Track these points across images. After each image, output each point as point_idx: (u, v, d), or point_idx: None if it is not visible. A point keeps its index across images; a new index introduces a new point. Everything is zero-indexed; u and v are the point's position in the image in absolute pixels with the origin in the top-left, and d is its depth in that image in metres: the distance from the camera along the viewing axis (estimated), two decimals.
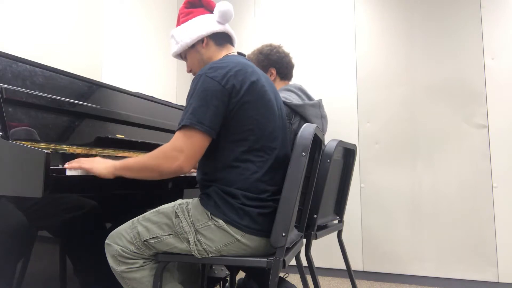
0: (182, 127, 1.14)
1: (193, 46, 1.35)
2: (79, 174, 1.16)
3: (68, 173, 1.11)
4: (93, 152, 1.41)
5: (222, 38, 1.36)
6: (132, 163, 1.17)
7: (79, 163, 1.17)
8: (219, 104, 1.14)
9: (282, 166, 1.21)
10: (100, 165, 1.18)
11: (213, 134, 1.16)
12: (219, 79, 1.15)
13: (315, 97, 2.02)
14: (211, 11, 1.35)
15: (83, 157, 1.25)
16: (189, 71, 1.41)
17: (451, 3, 2.73)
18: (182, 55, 1.41)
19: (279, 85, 2.04)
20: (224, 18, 1.33)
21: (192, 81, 1.20)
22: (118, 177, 1.20)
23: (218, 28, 1.33)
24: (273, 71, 2.03)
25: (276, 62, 2.02)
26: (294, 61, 2.08)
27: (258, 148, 1.18)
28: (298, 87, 1.97)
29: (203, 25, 1.33)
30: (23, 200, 1.25)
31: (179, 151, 1.13)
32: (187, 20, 1.36)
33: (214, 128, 1.15)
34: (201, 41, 1.34)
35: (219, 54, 1.34)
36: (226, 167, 1.18)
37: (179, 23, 1.39)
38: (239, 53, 1.37)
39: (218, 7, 1.32)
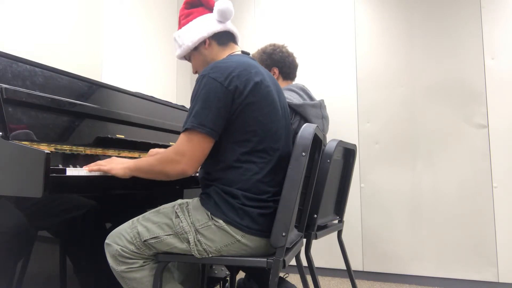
0: (185, 130, 1.15)
1: (196, 48, 1.34)
2: (98, 175, 1.21)
3: (69, 172, 1.11)
4: (94, 152, 1.41)
5: (225, 37, 1.34)
6: (143, 165, 1.20)
7: (98, 166, 1.21)
8: (221, 106, 1.14)
9: (284, 167, 1.21)
10: (118, 165, 1.22)
11: (216, 136, 1.15)
12: (222, 80, 1.15)
13: (316, 97, 2.02)
14: (211, 10, 1.34)
15: (86, 157, 1.27)
16: (195, 72, 1.41)
17: (451, 3, 2.73)
18: (186, 57, 1.41)
19: (281, 84, 2.04)
20: (224, 17, 1.31)
21: (196, 81, 1.19)
22: (120, 177, 1.23)
23: (219, 27, 1.31)
24: (276, 70, 2.03)
25: (279, 61, 2.02)
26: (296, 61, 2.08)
27: (260, 149, 1.18)
28: (300, 87, 1.97)
29: (203, 26, 1.31)
30: (23, 200, 1.25)
31: (182, 155, 1.14)
32: (187, 22, 1.34)
33: (217, 130, 1.15)
34: (203, 42, 1.32)
35: (223, 53, 1.33)
36: (228, 167, 1.17)
37: (180, 25, 1.38)
38: (243, 52, 1.35)
39: (217, 6, 1.30)
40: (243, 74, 1.17)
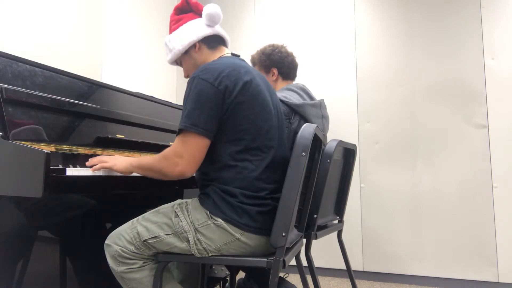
0: (179, 131, 1.17)
1: (186, 52, 1.36)
2: (102, 174, 1.23)
3: (69, 172, 1.11)
4: (94, 152, 1.41)
5: (214, 41, 1.36)
6: (143, 163, 1.22)
7: (101, 164, 1.23)
8: (213, 106, 1.15)
9: (279, 164, 1.22)
10: (120, 162, 1.24)
11: (209, 135, 1.16)
12: (212, 81, 1.16)
13: (316, 97, 2.02)
14: (201, 15, 1.36)
15: (86, 157, 1.27)
16: (186, 76, 1.43)
17: (451, 3, 2.73)
18: (177, 61, 1.43)
19: (281, 84, 2.04)
20: (213, 21, 1.33)
21: (187, 84, 1.21)
22: (122, 176, 1.26)
23: (208, 31, 1.33)
24: (275, 71, 2.03)
25: (278, 62, 2.02)
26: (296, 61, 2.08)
27: (254, 147, 1.19)
28: (300, 86, 1.97)
29: (193, 30, 1.33)
30: (23, 200, 1.25)
31: (179, 157, 1.15)
32: (177, 27, 1.37)
33: (210, 129, 1.16)
34: (193, 46, 1.34)
35: (213, 56, 1.35)
36: (224, 167, 1.18)
37: (170, 30, 1.40)
38: (233, 54, 1.37)
39: (205, 10, 1.32)
40: (232, 74, 1.18)
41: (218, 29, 1.37)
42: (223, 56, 1.32)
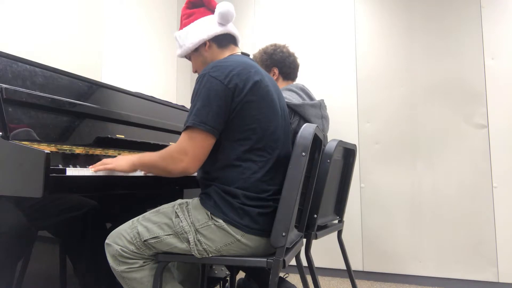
0: (187, 128, 1.16)
1: (196, 50, 1.35)
2: (102, 174, 1.23)
3: (69, 172, 1.11)
4: (94, 152, 1.41)
5: (225, 39, 1.35)
6: (146, 160, 1.22)
7: (104, 165, 1.23)
8: (222, 104, 1.15)
9: (283, 166, 1.21)
10: (122, 162, 1.24)
11: (217, 133, 1.16)
12: (222, 79, 1.16)
13: (316, 97, 2.02)
14: (213, 11, 1.35)
15: (86, 157, 1.27)
16: (195, 71, 1.42)
17: (451, 3, 2.73)
18: (187, 56, 1.42)
19: (281, 84, 2.04)
20: (225, 19, 1.32)
21: (196, 80, 1.20)
22: (122, 176, 1.25)
23: (219, 30, 1.32)
24: (276, 70, 2.03)
25: (279, 61, 2.02)
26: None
27: (259, 148, 1.18)
28: (300, 87, 1.97)
29: (204, 28, 1.32)
30: (23, 200, 1.25)
31: (184, 153, 1.15)
32: (189, 22, 1.35)
33: (217, 127, 1.15)
34: (203, 44, 1.34)
35: (222, 55, 1.34)
36: (227, 166, 1.18)
37: (181, 25, 1.38)
38: (243, 53, 1.36)
39: (218, 9, 1.31)
40: (243, 73, 1.18)
41: (230, 28, 1.35)
42: (233, 55, 1.32)
